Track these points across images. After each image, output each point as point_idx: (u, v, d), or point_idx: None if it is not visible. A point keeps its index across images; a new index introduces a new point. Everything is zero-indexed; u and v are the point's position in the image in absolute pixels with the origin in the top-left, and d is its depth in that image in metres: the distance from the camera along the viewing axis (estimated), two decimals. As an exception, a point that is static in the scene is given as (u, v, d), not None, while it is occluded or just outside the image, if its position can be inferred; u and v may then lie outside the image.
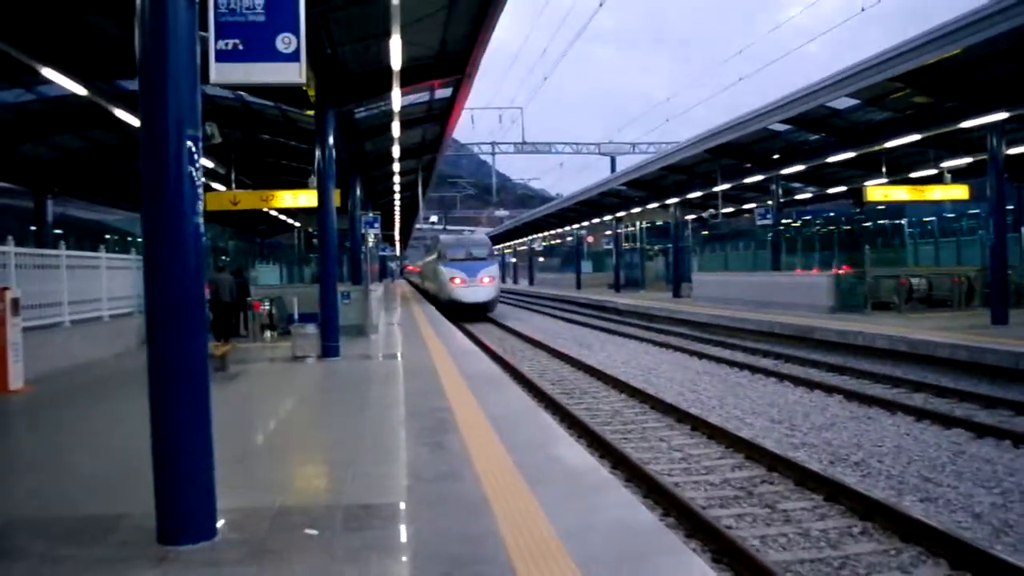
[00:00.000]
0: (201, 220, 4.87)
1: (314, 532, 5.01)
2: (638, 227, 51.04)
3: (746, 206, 38.74)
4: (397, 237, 61.75)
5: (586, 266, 64.99)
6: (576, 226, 57.39)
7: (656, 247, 53.81)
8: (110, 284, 17.25)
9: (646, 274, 51.58)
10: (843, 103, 20.74)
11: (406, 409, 9.31)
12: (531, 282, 79.10)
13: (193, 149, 4.81)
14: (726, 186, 29.63)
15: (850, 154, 22.04)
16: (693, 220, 45.39)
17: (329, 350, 14.74)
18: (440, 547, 4.76)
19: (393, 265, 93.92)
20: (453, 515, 5.36)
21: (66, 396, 11.27)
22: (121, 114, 14.99)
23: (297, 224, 41.39)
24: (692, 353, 20.33)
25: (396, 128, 16.58)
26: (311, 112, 14.90)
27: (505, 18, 13.04)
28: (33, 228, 24.80)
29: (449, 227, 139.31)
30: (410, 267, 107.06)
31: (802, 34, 28.20)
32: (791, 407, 13.03)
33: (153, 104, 4.77)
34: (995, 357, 14.42)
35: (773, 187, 28.79)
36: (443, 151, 24.96)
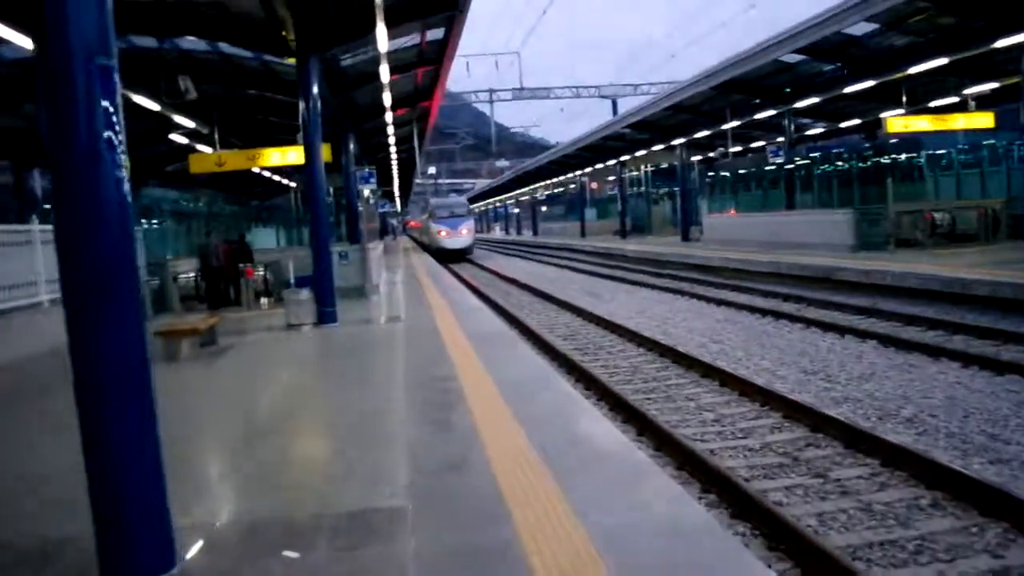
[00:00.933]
0: (125, 175, 3.86)
1: (295, 555, 4.08)
2: (643, 171, 49.74)
3: (755, 144, 37.52)
4: (397, 193, 60.52)
5: (590, 214, 63.78)
6: (579, 173, 56.10)
7: (662, 191, 52.54)
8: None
9: (653, 219, 50.41)
10: (861, 28, 19.53)
11: (408, 380, 8.37)
12: (535, 232, 77.94)
13: (108, 82, 3.77)
14: (736, 123, 28.42)
15: (869, 83, 20.83)
16: (699, 161, 44.14)
17: (325, 316, 13.80)
18: (446, 571, 3.84)
19: (394, 222, 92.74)
20: (462, 522, 4.44)
21: (28, 387, 10.30)
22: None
23: (294, 185, 40.37)
24: (709, 300, 19.36)
25: (385, 73, 15.42)
26: (293, 60, 13.77)
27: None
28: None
29: (451, 180, 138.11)
30: (412, 222, 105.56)
31: None
32: (824, 356, 12.08)
33: (49, 22, 3.73)
34: (1041, 292, 13.43)
35: (785, 123, 27.55)
36: (439, 98, 23.76)
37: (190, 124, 18.16)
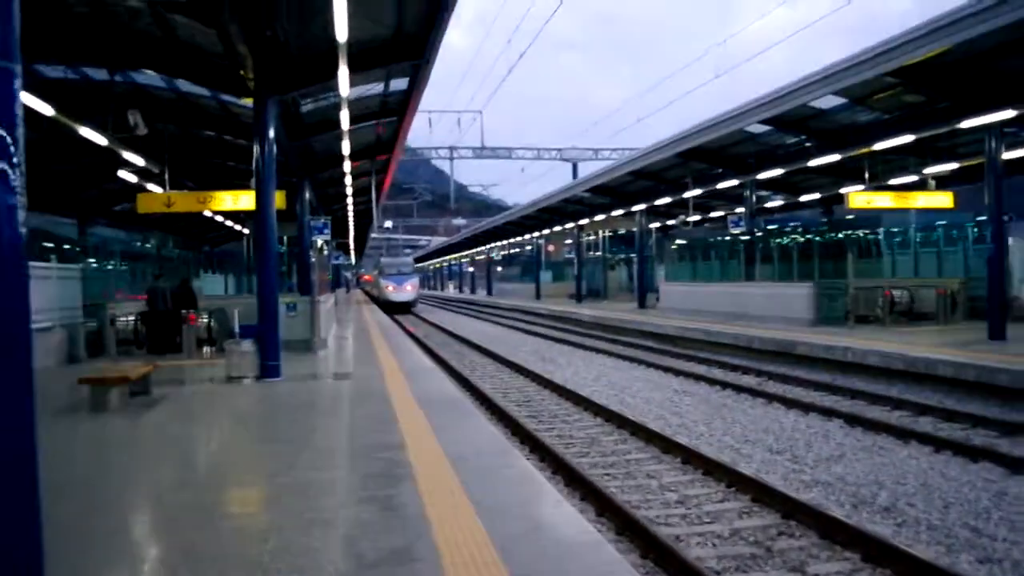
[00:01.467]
0: (20, 202, 3.20)
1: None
2: (600, 235, 49.68)
3: (714, 214, 37.61)
4: (352, 246, 59.74)
5: (546, 276, 63.48)
6: (536, 235, 55.90)
7: (619, 256, 52.47)
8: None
9: (609, 284, 50.20)
10: (828, 102, 19.48)
11: (351, 447, 7.69)
12: (489, 292, 77.46)
13: (6, 89, 3.15)
14: (697, 192, 28.33)
15: (834, 157, 20.76)
16: (657, 228, 44.17)
17: (268, 370, 13.04)
18: None
19: (348, 275, 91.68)
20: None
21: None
22: (35, 102, 13.05)
23: (247, 231, 39.54)
24: (667, 370, 18.90)
25: (345, 120, 14.89)
26: (250, 100, 13.19)
27: (459, 25, 11.68)
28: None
29: (407, 235, 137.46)
30: (365, 276, 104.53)
31: (761, 44, 27.27)
32: (789, 434, 11.60)
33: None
34: (1009, 378, 13.12)
35: (747, 193, 27.54)
36: (399, 150, 23.32)
37: (140, 162, 17.42)
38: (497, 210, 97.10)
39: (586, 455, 10.67)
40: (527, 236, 58.45)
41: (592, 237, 51.65)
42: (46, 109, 12.48)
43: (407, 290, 51.19)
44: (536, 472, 7.12)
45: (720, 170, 27.09)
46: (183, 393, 12.06)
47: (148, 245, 33.28)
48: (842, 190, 26.48)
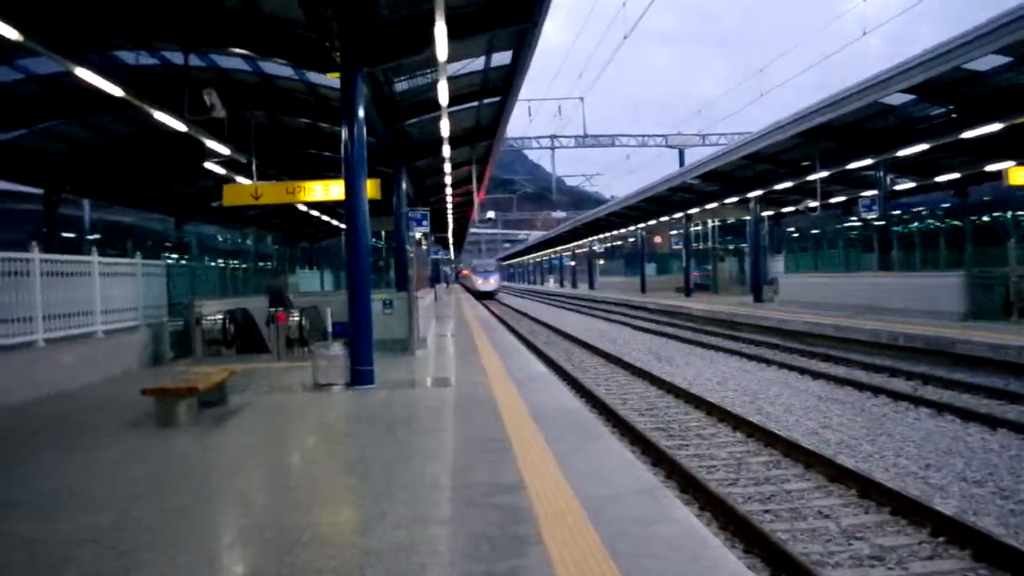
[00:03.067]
0: None
1: None
2: (709, 226, 47.19)
3: (834, 199, 34.95)
4: (451, 240, 58.64)
5: (649, 269, 61.13)
6: (640, 226, 53.72)
7: (729, 247, 49.79)
8: (107, 293, 14.36)
9: (719, 276, 47.67)
10: (987, 63, 17.04)
11: (455, 488, 6.01)
12: (591, 285, 75.52)
13: None
14: (824, 174, 25.84)
15: (991, 127, 18.22)
16: (770, 217, 41.54)
17: (360, 376, 11.56)
18: None
19: (447, 269, 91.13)
20: None
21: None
22: (102, 83, 11.85)
23: (344, 226, 38.62)
24: (802, 371, 16.80)
25: (444, 93, 13.22)
26: (336, 75, 11.71)
27: (554, 18, 10.03)
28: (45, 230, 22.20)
29: (505, 230, 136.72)
30: (464, 271, 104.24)
31: (859, 27, 25.06)
32: (981, 457, 9.51)
33: None
34: None
35: (879, 174, 24.97)
36: (501, 135, 21.70)
37: (225, 151, 16.23)
38: (595, 203, 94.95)
39: (735, 482, 8.85)
40: (630, 228, 56.31)
41: (699, 228, 49.16)
42: (114, 90, 11.26)
43: (491, 283, 72.12)
44: (699, 525, 5.32)
45: (849, 149, 24.62)
46: (263, 403, 10.67)
47: (241, 241, 32.59)
48: (991, 167, 23.73)
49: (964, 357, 16.19)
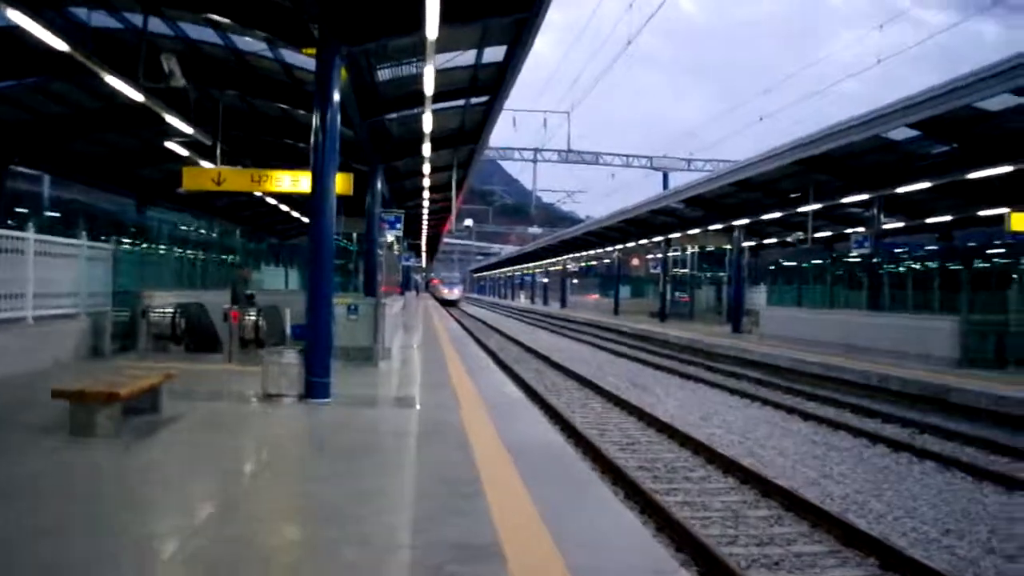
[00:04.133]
0: None
1: None
2: (688, 252, 46.26)
3: (820, 234, 34.14)
4: (424, 247, 57.34)
5: (623, 291, 60.10)
6: (618, 247, 52.75)
7: (707, 275, 48.85)
8: (42, 275, 12.99)
9: (696, 304, 46.70)
10: (999, 103, 16.23)
11: (415, 542, 4.82)
12: (563, 304, 74.43)
13: None
14: (817, 206, 24.93)
15: (1003, 168, 17.39)
16: (751, 247, 40.71)
17: (315, 388, 10.32)
18: None
19: (418, 277, 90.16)
20: None
21: None
22: (44, 34, 10.54)
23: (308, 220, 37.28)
24: (790, 410, 15.75)
25: (429, 77, 12.01)
26: (312, 52, 10.52)
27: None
28: None
29: (480, 243, 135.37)
30: (435, 280, 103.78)
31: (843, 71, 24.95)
32: (1011, 526, 8.44)
33: None
34: None
35: (873, 211, 24.10)
36: (486, 140, 20.56)
37: (188, 130, 14.95)
38: (571, 222, 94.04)
39: (734, 540, 7.72)
40: (607, 248, 55.36)
41: (677, 253, 48.22)
42: (59, 44, 9.95)
43: (455, 293, 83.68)
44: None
45: (845, 183, 23.76)
46: (201, 414, 9.38)
47: (202, 231, 31.06)
48: (985, 211, 22.98)
49: (962, 407, 15.22)
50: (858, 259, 25.26)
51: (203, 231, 30.78)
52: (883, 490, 9.83)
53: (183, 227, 27.44)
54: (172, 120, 14.23)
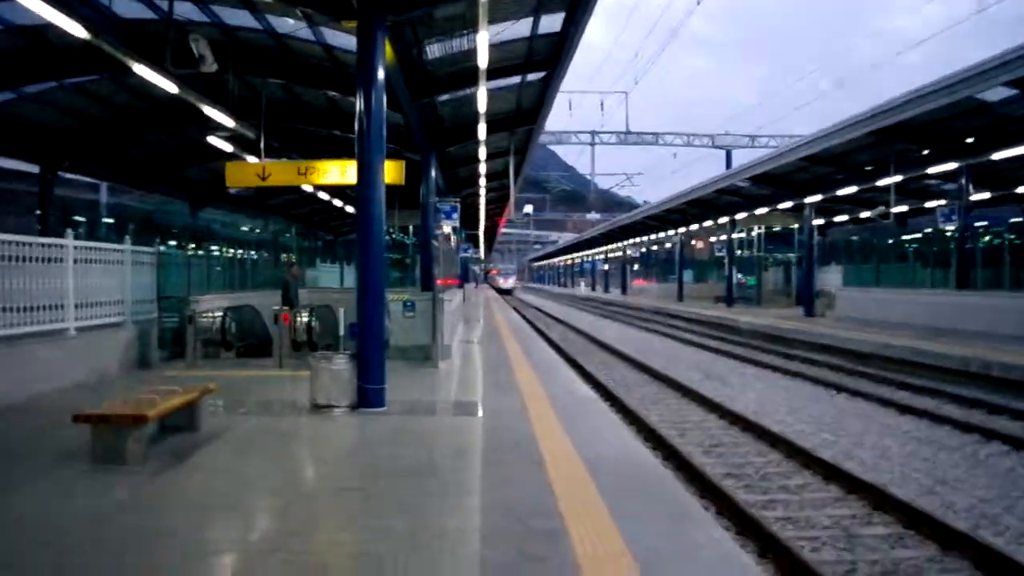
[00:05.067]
0: None
1: None
2: (756, 233, 44.54)
3: (894, 209, 32.35)
4: (481, 237, 56.42)
5: (686, 275, 58.47)
6: (681, 230, 51.26)
7: (775, 256, 46.98)
8: (84, 283, 12.31)
9: (763, 287, 44.96)
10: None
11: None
12: (624, 291, 73.01)
13: None
14: (898, 178, 23.33)
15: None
16: (820, 226, 38.96)
17: (368, 396, 9.42)
18: None
19: (476, 269, 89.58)
20: None
21: None
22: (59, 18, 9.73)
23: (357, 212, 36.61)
24: (882, 401, 14.44)
25: (483, 44, 10.93)
26: (353, 24, 9.56)
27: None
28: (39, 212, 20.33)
29: (538, 231, 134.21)
30: (493, 271, 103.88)
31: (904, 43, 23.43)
32: None
33: None
34: None
35: (962, 181, 22.45)
36: (544, 119, 19.43)
37: (229, 123, 14.15)
38: (628, 208, 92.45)
39: (853, 570, 6.60)
40: (669, 232, 53.87)
41: (742, 235, 46.47)
42: (77, 29, 9.11)
43: (510, 283, 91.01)
44: None
45: (925, 152, 22.16)
46: (242, 431, 8.50)
47: (252, 230, 30.58)
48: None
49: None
50: (946, 233, 23.58)
51: (254, 230, 30.29)
52: (1015, 500, 8.58)
53: (230, 226, 26.91)
54: (211, 112, 13.44)
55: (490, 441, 7.91)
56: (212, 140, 15.33)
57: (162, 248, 15.42)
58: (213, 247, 20.95)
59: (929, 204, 29.55)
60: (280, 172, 14.34)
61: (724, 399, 14.63)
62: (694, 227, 47.32)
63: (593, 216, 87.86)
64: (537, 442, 7.79)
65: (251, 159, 16.37)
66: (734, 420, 12.90)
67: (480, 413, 9.49)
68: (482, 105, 14.44)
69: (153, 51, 11.14)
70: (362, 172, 9.81)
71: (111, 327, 13.16)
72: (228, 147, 16.16)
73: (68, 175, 27.18)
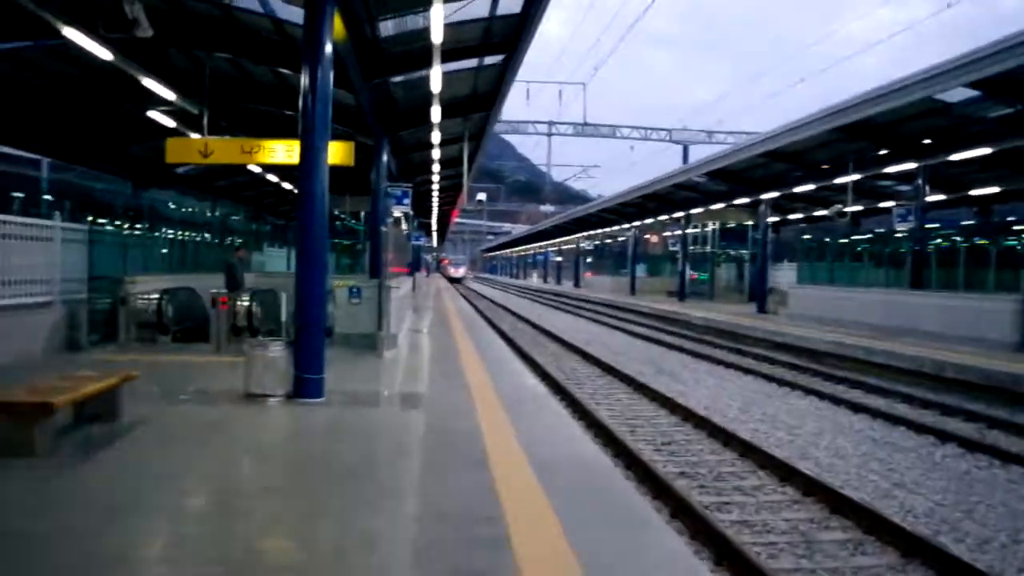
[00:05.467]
0: None
1: None
2: (710, 228, 44.54)
3: (847, 208, 32.49)
4: (435, 226, 55.74)
5: (639, 270, 58.44)
6: (635, 224, 51.15)
7: (727, 253, 47.05)
8: (7, 260, 11.61)
9: (716, 283, 45.01)
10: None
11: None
12: (576, 283, 72.83)
13: None
14: (856, 177, 23.24)
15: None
16: (776, 222, 39.08)
17: (305, 386, 8.89)
18: None
19: (428, 258, 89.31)
20: None
21: None
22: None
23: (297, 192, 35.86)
24: (835, 400, 14.24)
25: (438, 19, 10.45)
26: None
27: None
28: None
29: (491, 222, 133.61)
30: (445, 260, 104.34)
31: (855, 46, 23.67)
32: None
33: None
34: None
35: (918, 182, 22.43)
36: (501, 103, 18.93)
37: (168, 94, 13.45)
38: (581, 201, 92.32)
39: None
40: (624, 226, 53.73)
41: (696, 230, 46.46)
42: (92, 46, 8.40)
43: (460, 272, 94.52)
44: None
45: (887, 151, 22.08)
46: (167, 421, 7.93)
47: (196, 211, 29.60)
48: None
49: (1033, 398, 13.69)
50: (902, 233, 23.57)
51: (198, 211, 29.34)
52: (972, 504, 8.33)
53: (173, 207, 25.97)
54: (152, 85, 12.73)
55: (433, 438, 7.44)
56: (153, 114, 14.59)
57: (95, 226, 14.64)
58: (156, 227, 20.07)
59: (885, 204, 29.63)
60: (223, 150, 13.71)
61: (676, 395, 14.31)
62: (649, 221, 47.19)
63: (547, 208, 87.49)
64: (483, 439, 7.34)
65: (195, 136, 15.66)
66: (686, 416, 12.57)
67: (424, 406, 9.02)
68: (436, 85, 13.91)
69: (86, 15, 10.43)
70: (305, 149, 9.25)
71: (37, 307, 12.44)
72: (171, 122, 15.44)
73: (6, 149, 26.16)
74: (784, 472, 9.26)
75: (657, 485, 8.50)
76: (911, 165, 21.27)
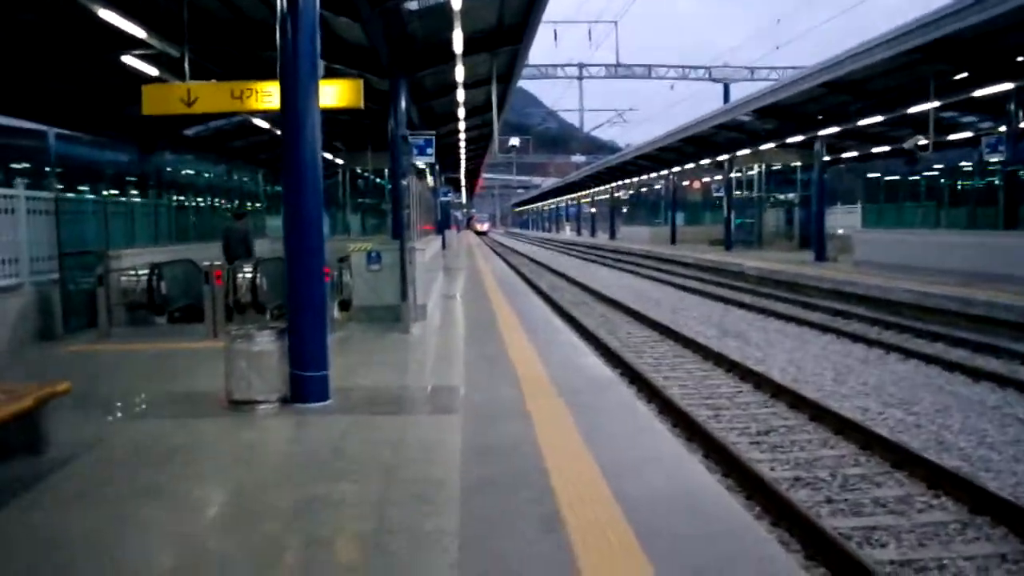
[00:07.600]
0: None
1: None
2: (755, 171, 41.73)
3: (923, 141, 29.75)
4: (463, 181, 53.36)
5: (678, 218, 55.74)
6: (675, 170, 48.50)
7: (776, 196, 44.10)
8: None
9: (764, 229, 42.23)
10: None
11: None
12: (612, 235, 70.23)
13: None
14: (936, 103, 20.54)
15: None
16: (828, 163, 36.35)
17: (305, 387, 6.80)
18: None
19: (458, 214, 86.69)
20: None
21: None
22: None
23: (340, 162, 33.93)
24: (947, 365, 11.94)
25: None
26: None
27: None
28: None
29: (520, 176, 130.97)
30: (474, 217, 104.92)
31: None
32: None
33: None
34: None
35: (1010, 107, 19.76)
36: (532, 34, 16.54)
37: (140, 34, 11.30)
38: (611, 151, 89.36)
39: None
40: (661, 173, 51.06)
41: (740, 174, 43.64)
42: None
43: (485, 227, 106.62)
44: None
45: (966, 74, 19.45)
46: (113, 449, 5.84)
47: (196, 173, 27.54)
48: None
49: None
50: (997, 166, 20.96)
51: (193, 173, 27.22)
52: None
53: (171, 170, 23.88)
54: (108, 16, 10.53)
55: (476, 469, 5.25)
56: (128, 60, 12.44)
57: (67, 194, 12.60)
58: (152, 192, 18.04)
59: (956, 136, 26.88)
60: (209, 96, 11.54)
61: (754, 362, 12.25)
62: (690, 166, 44.51)
63: (578, 159, 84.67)
64: (545, 464, 5.20)
65: (176, 83, 13.49)
66: (775, 393, 10.38)
67: (461, 408, 6.88)
68: (457, 3, 11.59)
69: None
70: (286, 89, 7.05)
71: (1, 292, 10.51)
72: (153, 70, 13.26)
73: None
74: (927, 472, 7.05)
75: (779, 506, 6.34)
76: (1008, 86, 18.57)
